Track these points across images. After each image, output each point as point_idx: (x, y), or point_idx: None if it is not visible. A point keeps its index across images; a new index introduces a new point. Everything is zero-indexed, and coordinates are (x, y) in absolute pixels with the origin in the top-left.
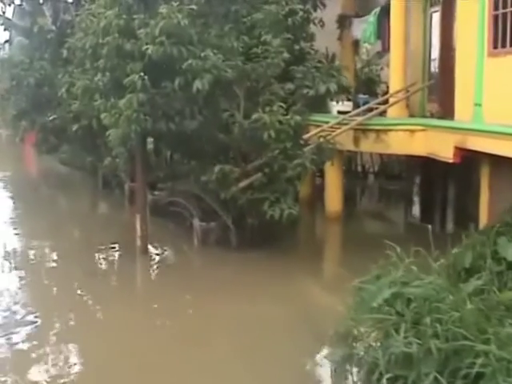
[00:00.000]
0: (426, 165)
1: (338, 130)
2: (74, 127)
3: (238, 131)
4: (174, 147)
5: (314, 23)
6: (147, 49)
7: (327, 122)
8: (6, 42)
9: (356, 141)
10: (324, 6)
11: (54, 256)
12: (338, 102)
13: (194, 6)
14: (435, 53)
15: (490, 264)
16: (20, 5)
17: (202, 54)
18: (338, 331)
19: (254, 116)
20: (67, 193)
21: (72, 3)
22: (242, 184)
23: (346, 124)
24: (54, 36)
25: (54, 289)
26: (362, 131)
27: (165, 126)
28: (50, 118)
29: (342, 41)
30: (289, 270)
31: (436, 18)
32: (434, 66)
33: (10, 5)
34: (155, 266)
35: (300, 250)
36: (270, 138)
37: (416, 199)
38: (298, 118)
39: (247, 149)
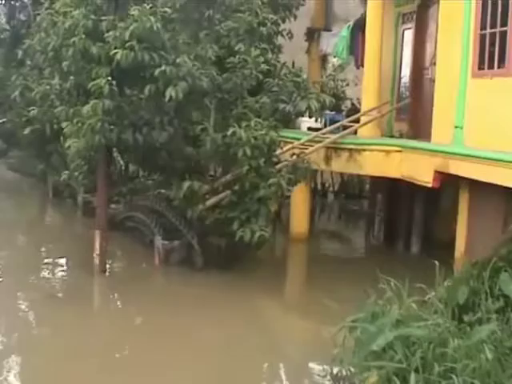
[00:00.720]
0: (390, 184)
1: (312, 148)
2: (26, 131)
3: (211, 146)
4: (138, 160)
5: (283, 35)
6: (115, 53)
7: (298, 139)
8: None
9: (327, 160)
10: (295, 17)
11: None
12: (316, 120)
13: (168, 9)
14: (405, 71)
15: (488, 301)
16: None
17: (177, 61)
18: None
19: (230, 131)
20: (15, 201)
21: (29, 3)
22: (210, 202)
23: (318, 142)
24: (8, 36)
25: None
26: (334, 150)
27: (131, 137)
28: (0, 122)
29: (311, 54)
30: (256, 293)
31: (408, 35)
32: (404, 85)
33: None
34: (114, 287)
35: (268, 272)
36: (245, 155)
37: (379, 220)
38: (273, 134)
39: (217, 164)
